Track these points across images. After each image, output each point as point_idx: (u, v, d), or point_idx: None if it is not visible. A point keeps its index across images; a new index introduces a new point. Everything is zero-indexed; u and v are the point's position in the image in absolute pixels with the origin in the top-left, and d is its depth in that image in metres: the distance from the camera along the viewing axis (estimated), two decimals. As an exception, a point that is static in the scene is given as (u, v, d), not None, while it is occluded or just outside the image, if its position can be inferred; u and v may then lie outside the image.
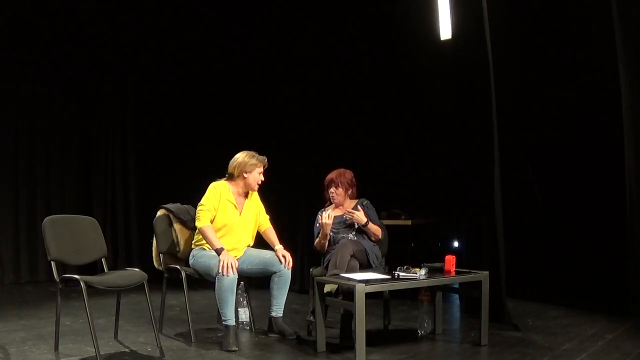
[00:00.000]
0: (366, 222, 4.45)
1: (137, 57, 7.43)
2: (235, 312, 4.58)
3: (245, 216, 4.42)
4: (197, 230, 4.38)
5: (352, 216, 4.45)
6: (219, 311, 4.18)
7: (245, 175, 4.35)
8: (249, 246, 4.44)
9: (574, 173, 5.52)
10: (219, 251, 4.09)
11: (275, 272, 4.25)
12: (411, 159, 6.08)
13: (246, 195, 4.45)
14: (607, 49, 4.78)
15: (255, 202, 4.52)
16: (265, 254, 4.34)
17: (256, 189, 4.44)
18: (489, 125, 4.65)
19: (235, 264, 4.05)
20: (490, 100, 4.66)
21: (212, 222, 4.27)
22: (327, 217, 4.41)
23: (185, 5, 7.16)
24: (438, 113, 5.81)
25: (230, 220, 4.32)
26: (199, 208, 4.27)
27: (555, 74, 5.53)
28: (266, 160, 4.43)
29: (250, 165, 4.34)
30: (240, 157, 4.38)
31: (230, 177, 4.40)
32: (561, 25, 5.47)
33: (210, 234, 4.18)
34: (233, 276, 4.01)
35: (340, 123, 6.21)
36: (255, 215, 4.49)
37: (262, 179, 4.42)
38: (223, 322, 4.05)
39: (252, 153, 4.40)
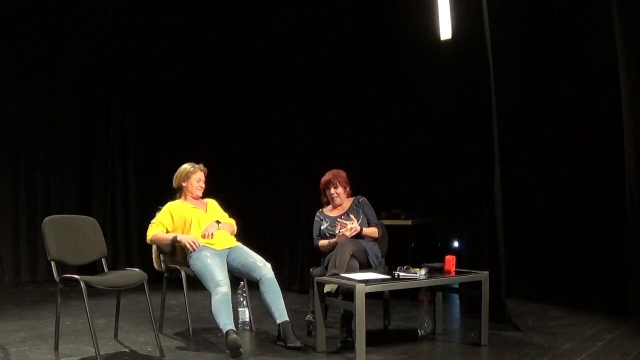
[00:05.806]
0: (360, 230, 4.40)
1: (138, 57, 7.43)
2: (235, 312, 4.57)
3: (212, 214, 4.50)
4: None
5: (346, 231, 4.30)
6: None
7: (183, 184, 4.50)
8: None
9: (574, 173, 5.52)
10: (174, 239, 4.25)
11: (258, 280, 4.16)
12: (411, 159, 6.07)
13: (201, 199, 4.57)
14: (607, 48, 4.77)
15: (216, 210, 4.60)
16: (250, 258, 4.28)
17: (199, 194, 4.52)
18: (488, 125, 4.65)
19: (197, 242, 4.18)
20: (490, 99, 4.66)
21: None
22: (349, 230, 4.31)
23: (185, 7, 7.17)
24: (438, 113, 5.81)
25: (195, 216, 4.40)
26: (150, 224, 4.41)
27: (555, 73, 5.53)
28: (202, 166, 4.54)
29: (185, 174, 4.49)
30: (177, 171, 4.53)
31: (178, 192, 4.55)
32: (561, 25, 5.47)
33: (159, 236, 4.34)
34: (226, 290, 3.98)
35: (340, 123, 6.20)
36: (223, 216, 4.57)
37: (202, 186, 4.52)
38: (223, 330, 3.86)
39: (190, 163, 4.53)
